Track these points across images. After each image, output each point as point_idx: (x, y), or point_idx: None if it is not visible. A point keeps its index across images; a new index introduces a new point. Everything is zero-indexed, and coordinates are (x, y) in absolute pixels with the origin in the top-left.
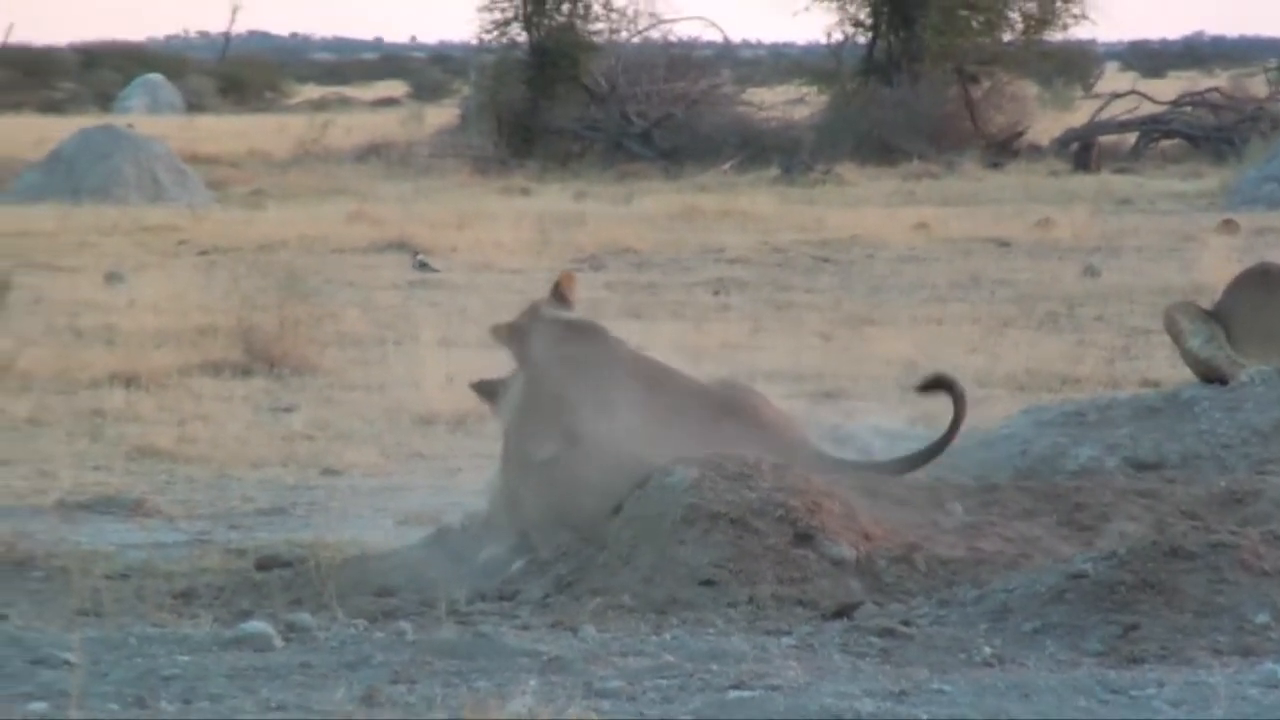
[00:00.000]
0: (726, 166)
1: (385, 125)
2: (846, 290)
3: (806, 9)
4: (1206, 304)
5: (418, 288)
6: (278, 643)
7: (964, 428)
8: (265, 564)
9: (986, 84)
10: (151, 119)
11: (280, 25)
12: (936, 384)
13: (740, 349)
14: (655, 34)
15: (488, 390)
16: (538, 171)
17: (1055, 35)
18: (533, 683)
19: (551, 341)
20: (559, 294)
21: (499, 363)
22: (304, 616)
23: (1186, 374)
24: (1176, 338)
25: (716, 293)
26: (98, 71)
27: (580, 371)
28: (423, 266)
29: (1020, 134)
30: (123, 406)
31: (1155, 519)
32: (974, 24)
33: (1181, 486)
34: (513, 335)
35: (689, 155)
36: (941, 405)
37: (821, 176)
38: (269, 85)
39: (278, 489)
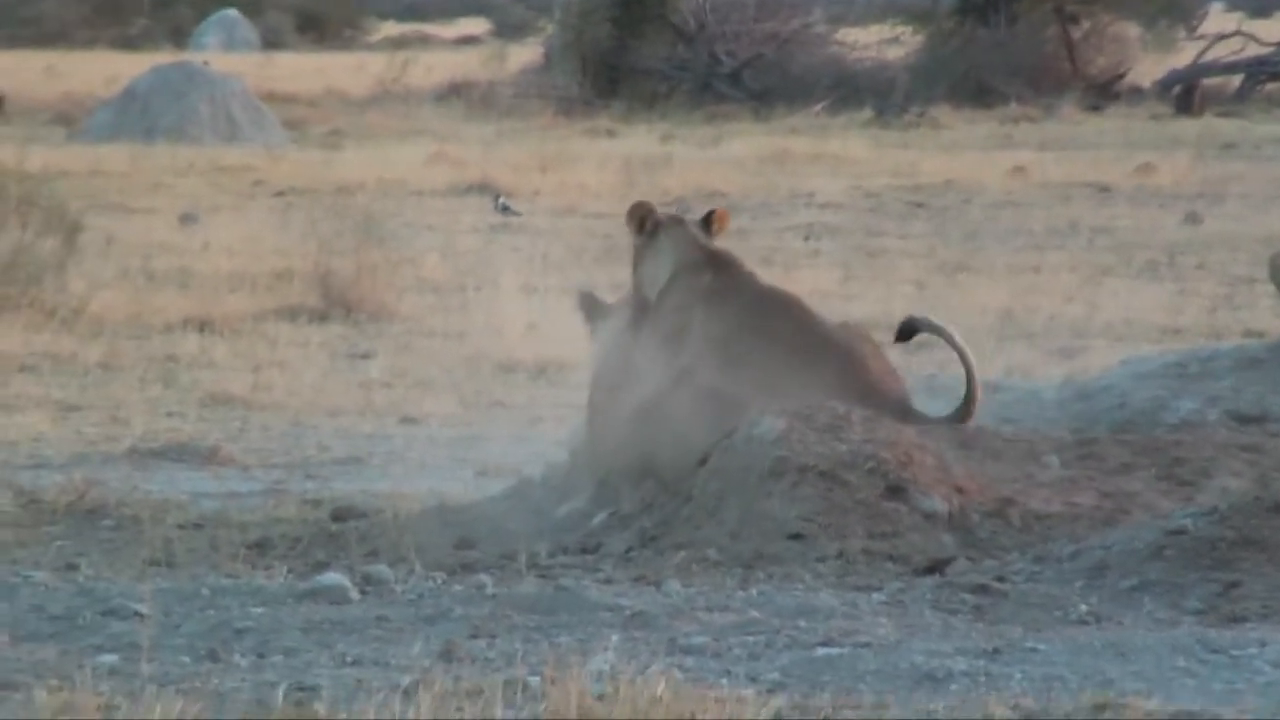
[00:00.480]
0: (818, 108)
1: (467, 64)
2: (940, 237)
3: None
4: None
5: (499, 232)
6: (354, 595)
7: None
8: (341, 515)
9: (1086, 24)
10: (227, 56)
11: None
12: (910, 329)
13: (831, 296)
14: None
15: (591, 306)
16: (623, 113)
17: None
18: (615, 638)
19: (688, 268)
20: (708, 224)
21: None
22: (381, 569)
23: None
24: None
25: (807, 238)
26: (172, 7)
27: (710, 307)
28: (505, 210)
29: (1121, 76)
30: (196, 352)
31: (1258, 474)
32: None
33: None
34: (645, 239)
35: (779, 96)
36: (1037, 355)
37: (916, 119)
38: (348, 22)
39: (354, 438)
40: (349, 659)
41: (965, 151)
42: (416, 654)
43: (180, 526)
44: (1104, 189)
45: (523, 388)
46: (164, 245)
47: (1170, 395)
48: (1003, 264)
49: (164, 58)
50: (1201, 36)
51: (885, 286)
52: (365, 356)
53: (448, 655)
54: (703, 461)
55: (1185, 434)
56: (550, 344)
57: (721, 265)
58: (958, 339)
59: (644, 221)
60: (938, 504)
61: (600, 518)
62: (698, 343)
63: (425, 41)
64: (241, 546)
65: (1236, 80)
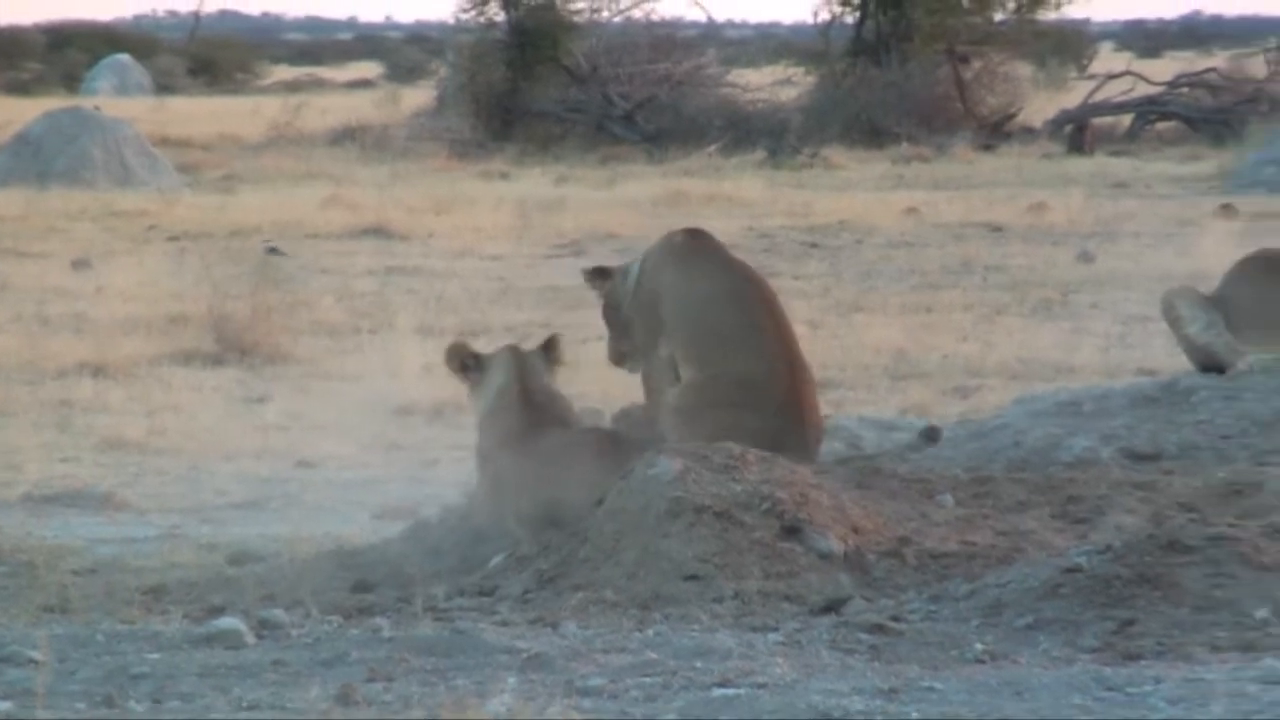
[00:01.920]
0: (711, 149)
1: (360, 107)
2: (835, 277)
3: None
4: (1205, 291)
5: (394, 274)
6: (250, 640)
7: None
8: (238, 559)
9: (978, 64)
10: (120, 101)
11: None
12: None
13: None
14: (638, 13)
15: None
16: (517, 155)
17: (1048, 14)
18: (512, 680)
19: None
20: (549, 351)
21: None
22: (277, 613)
23: (1184, 362)
24: (1174, 324)
25: None
26: (65, 52)
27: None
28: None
29: (1013, 116)
30: (91, 397)
31: (1152, 511)
32: (965, 2)
33: (1179, 478)
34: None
35: (673, 138)
36: (932, 395)
37: (809, 160)
38: (240, 66)
39: (251, 481)
40: (246, 703)
41: (859, 192)
42: (313, 698)
43: (75, 572)
44: (997, 228)
45: (419, 430)
46: (58, 290)
47: (1065, 433)
48: (897, 303)
49: (57, 102)
50: (1092, 76)
51: None
52: (261, 400)
53: (345, 699)
54: (600, 502)
55: (1080, 472)
56: (446, 386)
57: (534, 407)
58: None
59: (462, 363)
60: (834, 544)
61: (497, 560)
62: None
63: (319, 85)
64: (137, 592)
65: (1127, 120)
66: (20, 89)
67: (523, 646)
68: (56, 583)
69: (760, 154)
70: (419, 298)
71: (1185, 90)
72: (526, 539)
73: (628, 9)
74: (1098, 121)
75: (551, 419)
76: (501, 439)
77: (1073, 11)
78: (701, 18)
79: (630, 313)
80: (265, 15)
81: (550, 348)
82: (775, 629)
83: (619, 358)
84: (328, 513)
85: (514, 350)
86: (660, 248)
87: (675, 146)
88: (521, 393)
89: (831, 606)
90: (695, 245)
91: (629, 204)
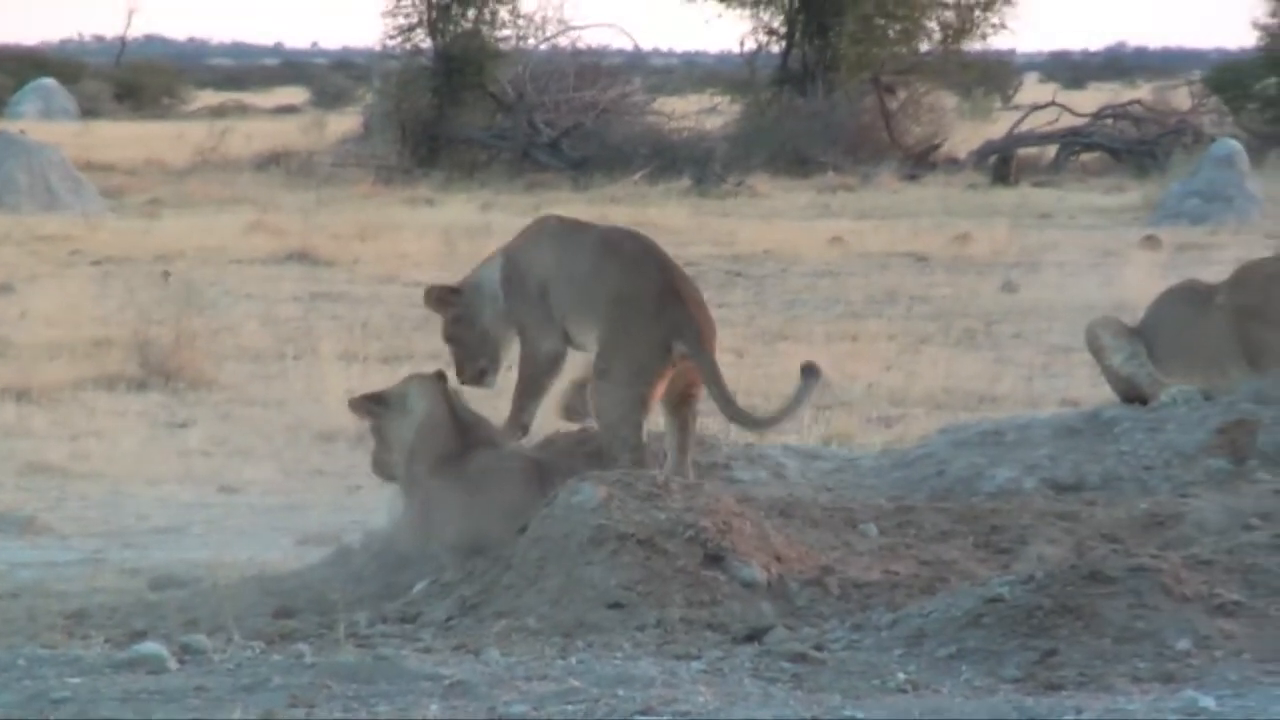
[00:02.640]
0: (637, 177)
1: (286, 133)
2: (760, 305)
3: (719, 16)
4: (1130, 322)
5: (319, 300)
6: (172, 665)
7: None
8: (160, 584)
9: (903, 94)
10: (45, 125)
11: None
12: None
13: None
14: (564, 41)
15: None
16: (443, 181)
17: (974, 45)
18: (435, 707)
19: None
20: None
21: (402, 378)
22: (199, 638)
23: (1107, 393)
24: (1098, 354)
25: None
26: None
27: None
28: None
29: (938, 146)
30: (13, 421)
31: (1075, 542)
32: (891, 33)
33: (1102, 509)
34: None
35: (599, 165)
36: (855, 423)
37: (734, 188)
38: (166, 91)
39: (173, 507)
40: None
41: (784, 221)
42: None
43: None
44: (922, 258)
45: (343, 456)
46: None
47: (988, 463)
48: (821, 332)
49: None
50: (1017, 107)
51: None
52: (184, 425)
53: None
54: (523, 529)
55: (1003, 502)
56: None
57: (464, 430)
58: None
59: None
60: (757, 572)
61: (420, 586)
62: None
63: (244, 110)
64: (59, 616)
65: (1052, 151)
66: None
67: (445, 673)
68: None
69: (685, 182)
70: (343, 323)
71: (1110, 121)
72: (451, 565)
73: (553, 37)
74: (1022, 152)
75: (480, 441)
76: (432, 465)
77: (998, 42)
78: (627, 46)
79: (513, 312)
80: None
81: (443, 377)
82: (698, 657)
83: (478, 376)
84: (250, 538)
85: (429, 377)
86: (534, 238)
87: (600, 174)
88: (450, 417)
89: (754, 635)
90: (570, 224)
91: None
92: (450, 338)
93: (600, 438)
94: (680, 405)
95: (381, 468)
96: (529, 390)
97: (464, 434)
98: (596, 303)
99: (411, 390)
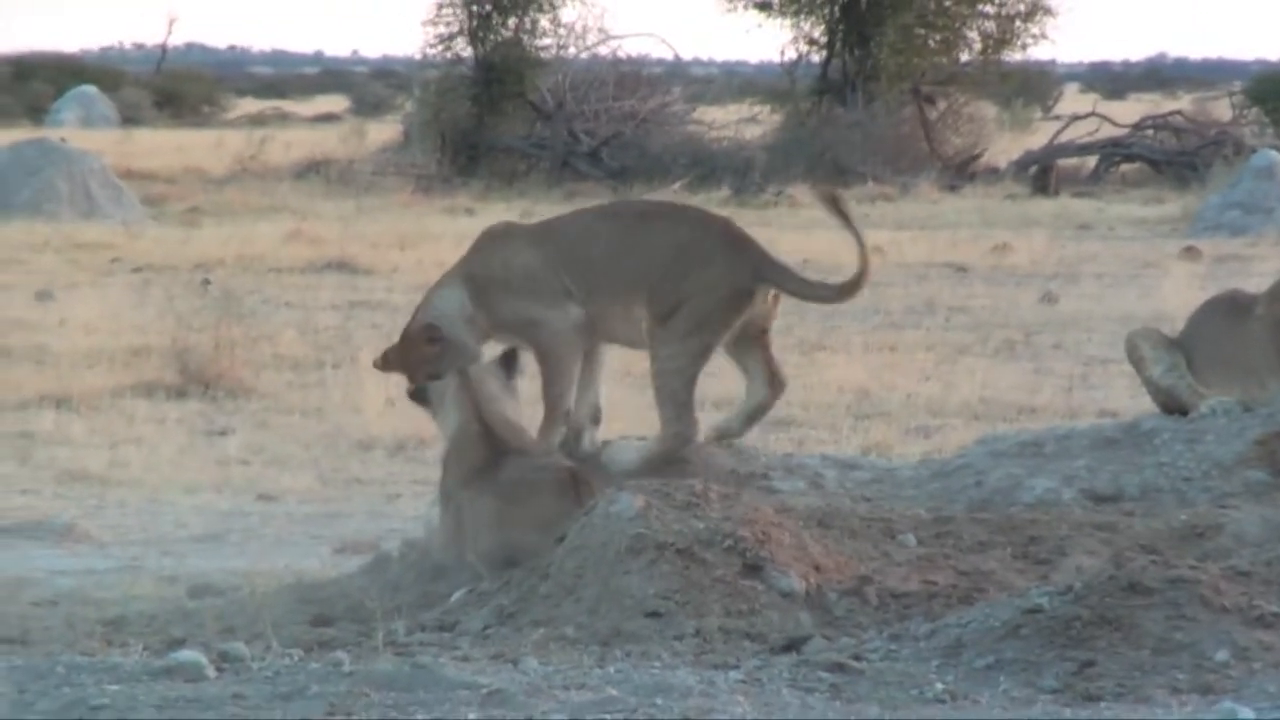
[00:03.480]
0: (676, 186)
1: (325, 141)
2: (798, 315)
3: (760, 26)
4: (1168, 333)
5: (357, 309)
6: (210, 673)
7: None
8: (198, 591)
9: (943, 105)
10: (85, 133)
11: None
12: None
13: None
14: (604, 50)
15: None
16: (482, 191)
17: (1014, 55)
18: (472, 716)
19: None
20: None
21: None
22: (237, 646)
23: (1146, 404)
24: (1138, 365)
25: None
26: (29, 83)
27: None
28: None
29: (977, 156)
30: (52, 429)
31: (1113, 553)
32: (931, 43)
33: (1140, 520)
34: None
35: (638, 175)
36: (894, 434)
37: (774, 198)
38: (206, 99)
39: (211, 515)
40: None
41: (823, 230)
42: None
43: (35, 604)
44: (961, 268)
45: (380, 464)
46: (20, 322)
47: (1026, 474)
48: (860, 343)
49: (21, 134)
50: (1057, 117)
51: None
52: (223, 433)
53: None
54: (561, 539)
55: (1041, 513)
56: (408, 420)
57: (495, 441)
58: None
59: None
60: (795, 582)
61: (458, 595)
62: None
63: (284, 118)
64: (97, 624)
65: (1091, 161)
66: None
67: (483, 682)
68: (16, 614)
69: (725, 192)
70: (382, 332)
71: (1150, 132)
72: (487, 576)
73: (594, 46)
74: (1062, 163)
75: (513, 449)
76: (464, 477)
77: (1038, 53)
78: (668, 55)
79: (505, 314)
80: (231, 48)
81: (508, 362)
82: (736, 667)
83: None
84: (288, 546)
85: (466, 380)
86: (499, 242)
87: (640, 183)
88: (481, 429)
89: (792, 645)
90: (530, 224)
91: None
92: (432, 375)
93: (654, 390)
94: (756, 343)
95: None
96: (558, 377)
97: (496, 443)
98: (642, 267)
99: (449, 397)
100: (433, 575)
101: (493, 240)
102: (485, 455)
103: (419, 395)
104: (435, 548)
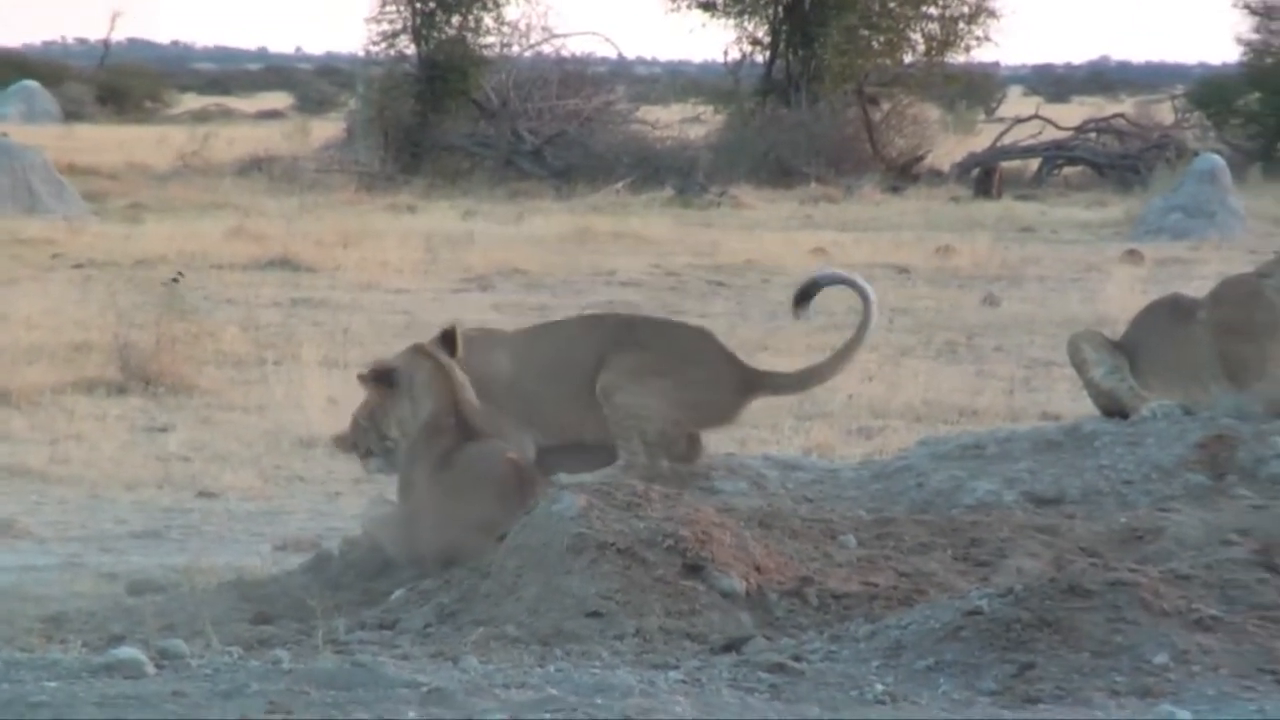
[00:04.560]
0: (619, 186)
1: (269, 138)
2: (741, 316)
3: (704, 25)
4: (1110, 336)
5: (300, 306)
6: (150, 670)
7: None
8: (138, 588)
9: (887, 106)
10: (27, 128)
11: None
12: (811, 289)
13: None
14: (548, 49)
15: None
16: (425, 189)
17: (958, 58)
18: (412, 714)
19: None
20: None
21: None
22: (177, 643)
23: (1087, 407)
24: (1080, 367)
25: None
26: None
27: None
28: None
29: (921, 158)
30: None
31: (1054, 555)
32: (875, 44)
33: (1081, 523)
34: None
35: (581, 174)
36: (836, 435)
37: (717, 199)
38: (149, 95)
39: (152, 511)
40: None
41: (766, 231)
42: None
43: None
44: (904, 270)
45: (322, 462)
46: None
47: (968, 476)
48: (803, 344)
49: None
50: (1000, 120)
51: None
52: (164, 430)
53: None
54: (502, 538)
55: (982, 515)
56: (350, 418)
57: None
58: (859, 281)
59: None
60: (736, 582)
61: (399, 593)
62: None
63: (227, 115)
64: (36, 620)
65: (1034, 164)
66: None
67: (423, 680)
68: None
69: (668, 192)
70: (324, 330)
71: (1093, 135)
72: (432, 574)
73: (538, 44)
74: (1005, 165)
75: (480, 438)
76: (432, 466)
77: (982, 55)
78: (612, 54)
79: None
80: (175, 44)
81: (447, 341)
82: (676, 667)
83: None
84: (229, 544)
85: (436, 371)
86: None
87: (583, 183)
88: (456, 419)
89: (732, 645)
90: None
91: (536, 240)
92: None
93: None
94: None
95: (346, 444)
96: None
97: (469, 431)
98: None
99: (419, 381)
100: (374, 573)
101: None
102: (455, 443)
103: (384, 379)
104: (387, 541)
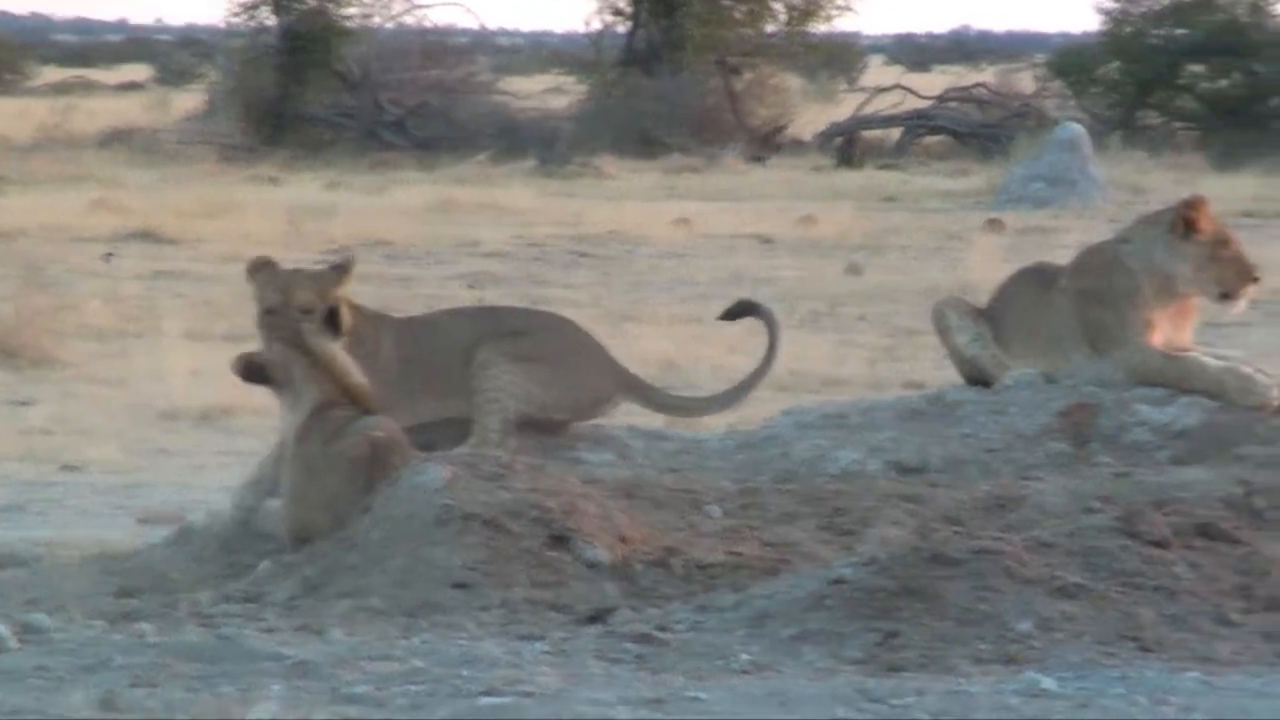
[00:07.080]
0: (482, 157)
1: (130, 110)
2: (605, 287)
3: None
4: (973, 304)
5: (162, 278)
6: (12, 644)
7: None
8: (0, 562)
9: (749, 76)
10: None
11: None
12: (741, 310)
13: None
14: (410, 19)
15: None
16: (288, 160)
17: (819, 27)
18: (277, 687)
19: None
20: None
21: None
22: (40, 617)
23: (951, 376)
24: (943, 334)
25: (471, 287)
26: None
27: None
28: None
29: (783, 128)
30: None
31: (918, 524)
32: (736, 14)
33: (945, 491)
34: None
35: (444, 145)
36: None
37: (580, 169)
38: (9, 67)
39: (14, 485)
40: (8, 709)
41: (629, 202)
42: (76, 703)
43: None
44: (767, 240)
45: (186, 435)
46: None
47: (832, 445)
48: (666, 314)
49: None
50: (862, 89)
51: None
52: (25, 403)
53: (108, 705)
54: (366, 508)
55: (846, 484)
56: (214, 391)
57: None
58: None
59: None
60: (601, 553)
61: (264, 565)
62: None
63: (88, 87)
64: None
65: (896, 133)
66: None
67: (288, 653)
68: None
69: (531, 163)
70: (187, 302)
71: (954, 104)
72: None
73: (400, 15)
74: (867, 135)
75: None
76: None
77: (843, 24)
78: (474, 25)
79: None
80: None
81: (331, 321)
82: (542, 638)
83: None
84: (92, 517)
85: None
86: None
87: (446, 154)
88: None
89: (598, 616)
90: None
91: (400, 211)
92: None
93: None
94: None
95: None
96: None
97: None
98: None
99: (296, 376)
100: (238, 546)
101: None
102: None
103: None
104: (270, 519)
